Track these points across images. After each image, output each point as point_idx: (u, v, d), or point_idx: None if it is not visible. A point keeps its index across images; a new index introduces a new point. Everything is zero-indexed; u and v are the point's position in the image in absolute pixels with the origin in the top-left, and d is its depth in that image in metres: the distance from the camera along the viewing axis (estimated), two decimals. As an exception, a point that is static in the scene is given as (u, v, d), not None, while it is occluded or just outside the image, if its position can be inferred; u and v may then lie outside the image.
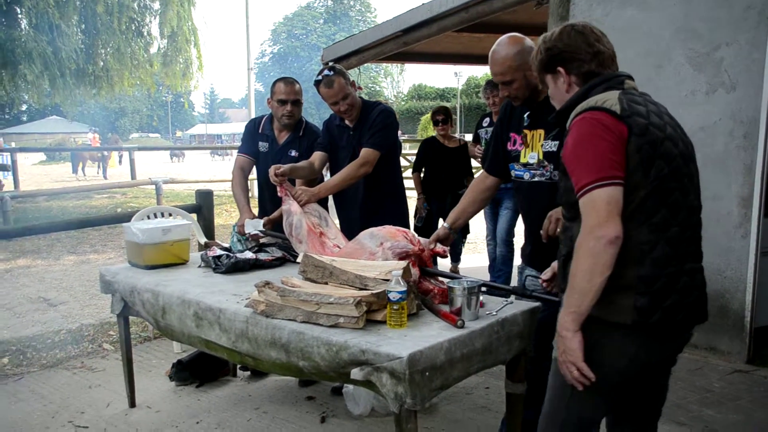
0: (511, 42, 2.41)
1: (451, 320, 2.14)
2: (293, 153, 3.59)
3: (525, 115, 2.51)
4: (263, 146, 3.69)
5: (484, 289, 2.37)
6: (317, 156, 3.41)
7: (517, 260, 2.90)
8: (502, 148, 2.62)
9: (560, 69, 1.83)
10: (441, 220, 5.40)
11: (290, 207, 3.04)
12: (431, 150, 5.75)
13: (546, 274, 2.19)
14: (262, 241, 3.32)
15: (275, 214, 3.40)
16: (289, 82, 3.56)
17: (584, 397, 1.73)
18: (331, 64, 3.33)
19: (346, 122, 3.36)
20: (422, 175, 5.82)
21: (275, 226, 3.35)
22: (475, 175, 3.31)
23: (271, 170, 3.11)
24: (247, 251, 3.14)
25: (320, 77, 3.23)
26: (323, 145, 3.45)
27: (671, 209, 1.66)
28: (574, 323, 1.65)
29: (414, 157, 6.27)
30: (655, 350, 1.73)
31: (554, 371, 1.80)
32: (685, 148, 1.73)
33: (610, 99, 1.68)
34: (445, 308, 2.26)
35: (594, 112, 1.66)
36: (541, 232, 2.33)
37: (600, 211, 1.59)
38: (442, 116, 5.68)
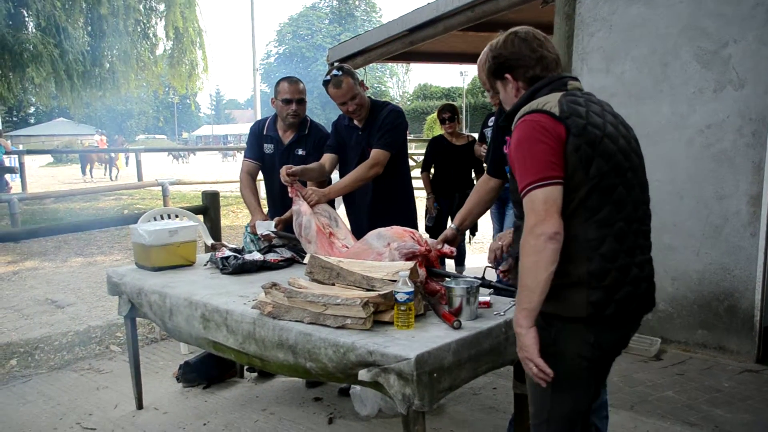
0: None
1: (448, 320, 2.14)
2: (300, 152, 3.58)
3: None
4: (268, 148, 3.68)
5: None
6: (327, 158, 3.41)
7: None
8: (500, 150, 2.64)
9: (507, 75, 1.91)
10: (450, 220, 5.39)
11: (300, 207, 3.04)
12: (439, 148, 5.73)
13: (503, 266, 2.27)
14: (273, 242, 3.31)
15: (286, 214, 3.38)
16: (293, 82, 3.55)
17: (562, 392, 1.78)
18: (338, 64, 3.31)
19: (355, 122, 3.35)
20: (431, 174, 5.81)
21: (287, 227, 3.34)
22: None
23: (283, 170, 3.10)
24: (255, 252, 3.13)
25: (329, 77, 3.22)
26: (333, 146, 3.44)
27: (615, 205, 1.72)
28: (526, 320, 1.70)
29: (420, 157, 6.25)
30: (610, 339, 1.80)
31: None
32: (626, 144, 1.78)
33: (550, 101, 1.74)
34: (446, 309, 2.25)
35: (534, 115, 1.73)
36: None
37: (538, 210, 1.65)
38: (449, 114, 5.66)
